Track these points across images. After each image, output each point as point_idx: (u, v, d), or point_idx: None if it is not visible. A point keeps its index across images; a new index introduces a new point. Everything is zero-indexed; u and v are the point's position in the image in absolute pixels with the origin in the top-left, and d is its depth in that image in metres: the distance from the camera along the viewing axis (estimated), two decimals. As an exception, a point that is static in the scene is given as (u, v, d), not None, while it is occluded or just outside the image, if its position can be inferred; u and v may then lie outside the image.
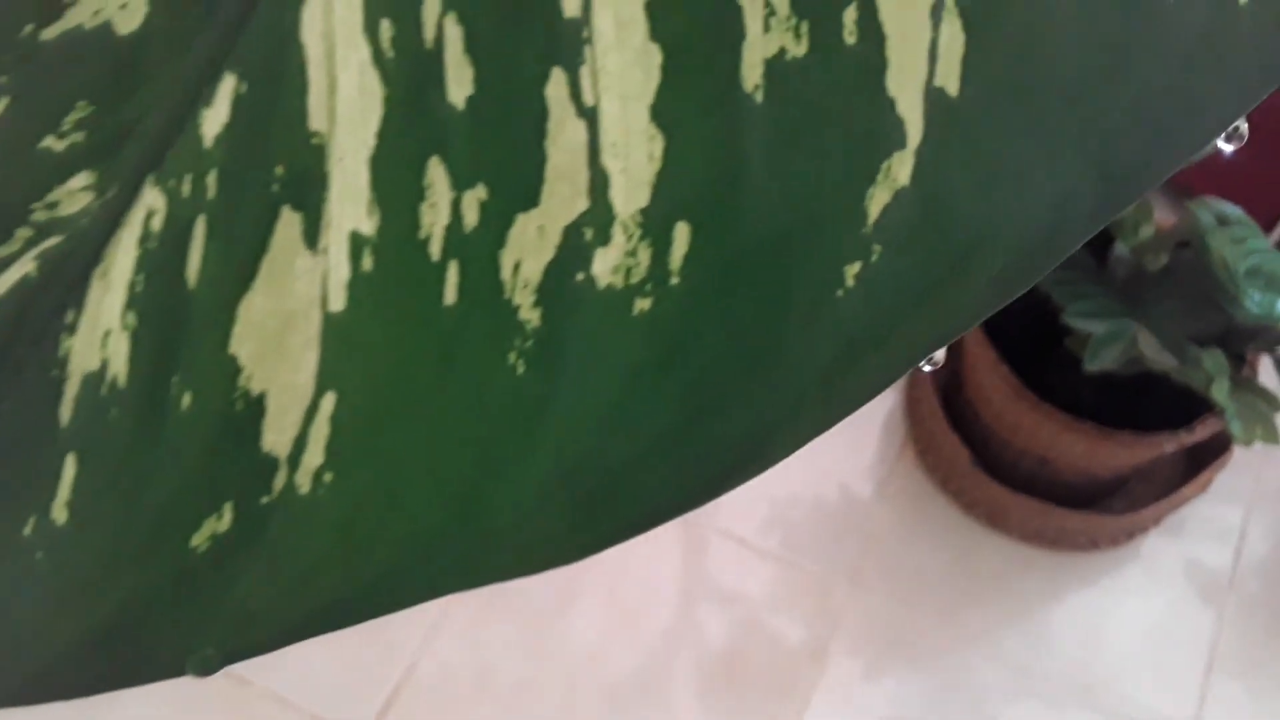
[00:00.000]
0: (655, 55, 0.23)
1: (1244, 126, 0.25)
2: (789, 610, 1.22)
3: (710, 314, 0.23)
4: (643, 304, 0.23)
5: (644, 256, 0.23)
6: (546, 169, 0.23)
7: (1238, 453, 1.14)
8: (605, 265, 0.23)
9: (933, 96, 0.24)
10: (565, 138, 0.23)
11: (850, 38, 0.23)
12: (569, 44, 0.23)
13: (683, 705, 1.16)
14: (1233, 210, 0.98)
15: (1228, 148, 0.25)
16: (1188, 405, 1.07)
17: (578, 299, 0.23)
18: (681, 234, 0.23)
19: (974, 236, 0.24)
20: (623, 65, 0.23)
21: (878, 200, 0.23)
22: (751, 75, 0.23)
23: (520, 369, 0.23)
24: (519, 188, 0.23)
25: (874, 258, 0.24)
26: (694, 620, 1.21)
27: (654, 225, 0.23)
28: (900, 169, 0.23)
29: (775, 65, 0.23)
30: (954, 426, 1.22)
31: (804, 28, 0.23)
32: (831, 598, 1.22)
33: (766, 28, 0.23)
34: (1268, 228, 1.24)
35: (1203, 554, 1.26)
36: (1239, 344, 1.05)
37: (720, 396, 0.23)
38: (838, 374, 0.24)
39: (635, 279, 0.23)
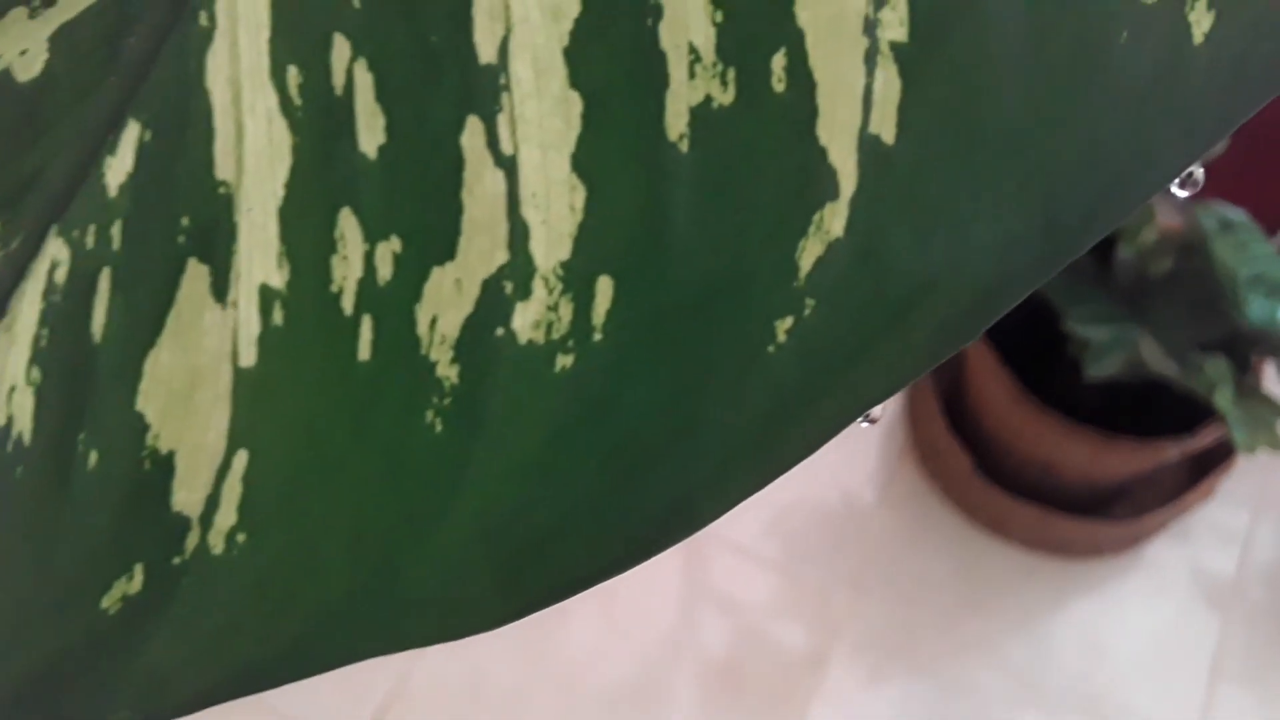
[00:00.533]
0: (575, 103, 0.22)
1: (1199, 173, 0.24)
2: (789, 618, 1.21)
3: (635, 371, 0.22)
4: (565, 361, 0.22)
5: (565, 311, 0.22)
6: (463, 220, 0.22)
7: (1243, 458, 1.13)
8: (526, 320, 0.22)
9: (867, 145, 0.22)
10: (483, 188, 0.22)
11: (779, 85, 0.22)
12: (485, 91, 0.22)
13: (680, 714, 1.15)
14: (1237, 215, 0.97)
15: (1182, 194, 0.24)
16: (1193, 410, 1.06)
17: (497, 355, 0.22)
18: (604, 288, 0.22)
19: (913, 288, 0.23)
20: (542, 113, 0.22)
21: (810, 253, 0.22)
22: (676, 124, 0.22)
23: (438, 427, 0.23)
24: (434, 240, 0.22)
25: (807, 312, 0.23)
26: (692, 628, 1.20)
27: (576, 279, 0.22)
28: (834, 220, 0.22)
29: (701, 113, 0.22)
30: (956, 433, 1.21)
31: (730, 75, 0.22)
32: (832, 605, 1.21)
33: (691, 74, 0.22)
34: (1273, 230, 1.23)
35: (1207, 561, 1.24)
36: (1244, 350, 1.03)
37: (646, 457, 0.23)
38: (770, 433, 0.23)
39: (557, 335, 0.22)
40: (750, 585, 1.22)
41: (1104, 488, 1.20)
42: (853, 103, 0.22)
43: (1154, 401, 1.09)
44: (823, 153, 0.22)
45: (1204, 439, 1.08)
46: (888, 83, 0.22)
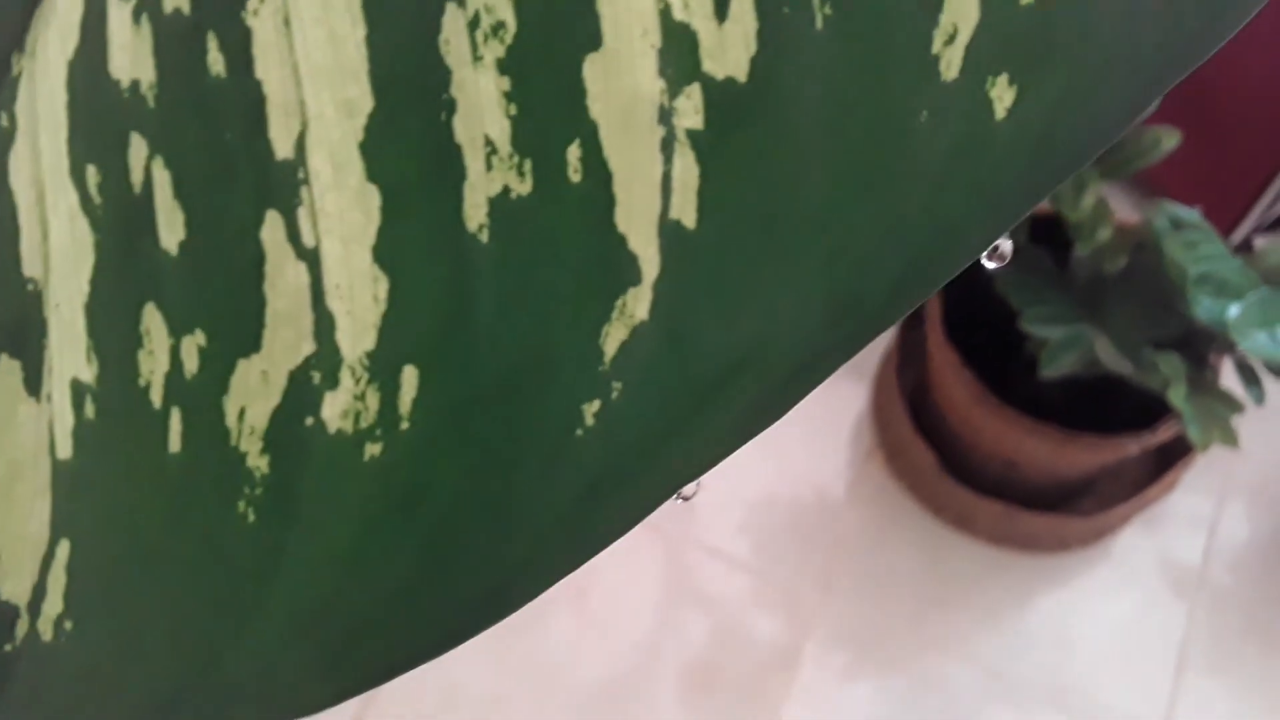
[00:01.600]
0: (374, 196, 0.22)
1: (1006, 246, 0.25)
2: (760, 617, 1.21)
3: (443, 460, 0.23)
4: (374, 449, 0.23)
5: (372, 401, 0.23)
6: (267, 313, 0.23)
7: (1209, 448, 1.13)
8: (334, 410, 0.23)
9: (668, 230, 0.23)
10: (285, 281, 0.22)
11: (575, 175, 0.22)
12: (283, 186, 0.22)
13: (655, 714, 1.16)
14: (1188, 214, 0.97)
15: (990, 265, 0.25)
16: (1155, 404, 1.06)
17: (308, 445, 0.23)
18: (410, 378, 0.23)
19: (721, 368, 0.23)
20: (341, 206, 0.22)
21: (614, 337, 0.23)
22: (475, 215, 0.22)
23: (251, 517, 0.23)
24: (239, 333, 0.23)
25: (614, 395, 0.23)
26: (665, 629, 1.20)
27: (381, 369, 0.23)
28: (637, 305, 0.23)
29: (500, 204, 0.22)
30: (921, 431, 1.21)
31: (527, 166, 0.22)
32: (802, 604, 1.22)
33: (489, 166, 0.22)
34: (1234, 223, 1.23)
35: (1173, 552, 1.25)
36: (1200, 346, 1.04)
37: (459, 544, 0.23)
38: (581, 516, 0.23)
39: (365, 424, 0.23)
40: (722, 585, 1.22)
41: (1068, 482, 1.20)
42: (650, 190, 0.23)
43: (1116, 396, 1.10)
44: (622, 240, 0.23)
45: (1164, 433, 1.09)
46: (686, 169, 0.23)
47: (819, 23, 0.23)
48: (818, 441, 1.29)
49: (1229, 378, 1.05)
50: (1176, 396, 0.97)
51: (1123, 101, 0.24)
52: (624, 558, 1.22)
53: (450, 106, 0.22)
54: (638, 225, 0.23)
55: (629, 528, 0.24)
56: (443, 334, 0.23)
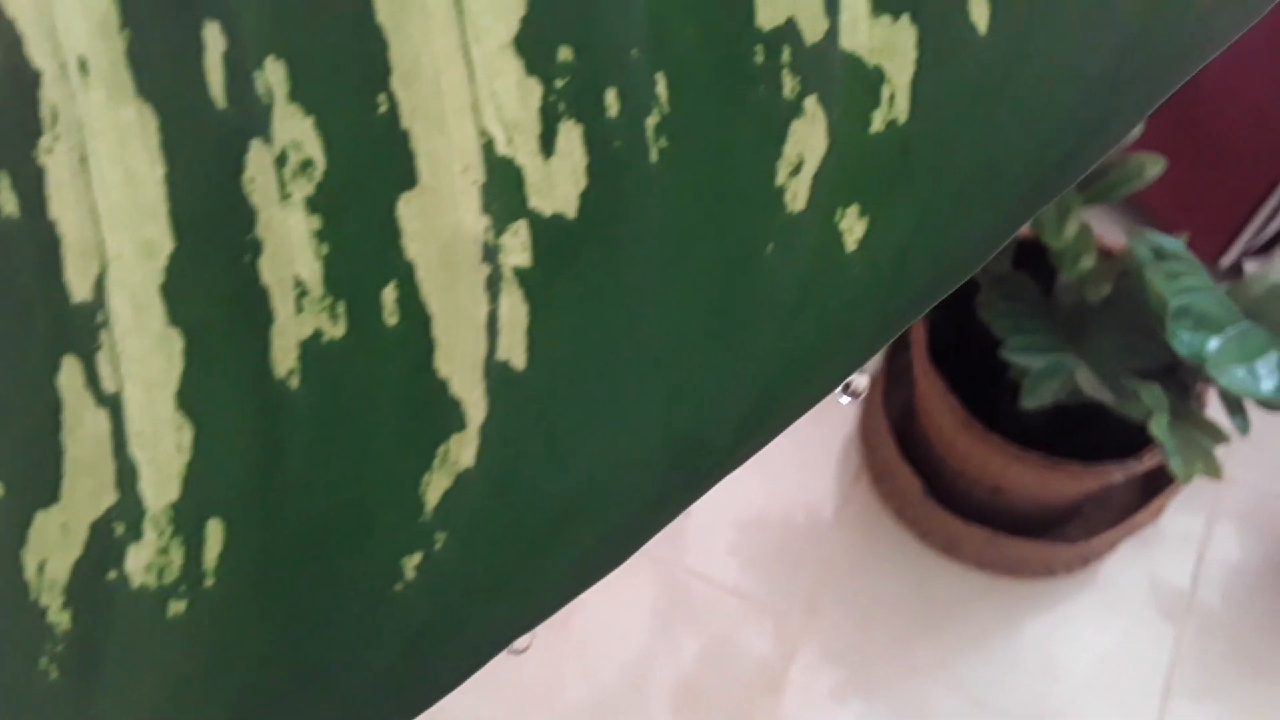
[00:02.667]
0: (176, 340, 0.21)
1: (859, 383, 0.23)
2: (745, 639, 1.20)
3: (251, 618, 0.21)
4: (178, 607, 0.22)
5: (176, 555, 0.21)
6: (65, 462, 0.21)
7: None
8: (138, 563, 0.22)
9: (496, 372, 0.22)
10: (84, 429, 0.21)
11: (391, 318, 0.21)
12: (81, 329, 0.21)
13: (633, 741, 1.15)
14: (1171, 243, 0.95)
15: (844, 400, 0.23)
16: (1143, 429, 1.04)
17: (111, 600, 0.22)
18: (214, 531, 0.21)
19: (556, 515, 0.22)
20: (143, 350, 0.21)
21: (436, 486, 0.22)
22: (284, 360, 0.21)
23: (53, 674, 0.22)
24: (36, 484, 0.21)
25: (438, 547, 0.22)
26: (649, 652, 1.19)
27: (186, 521, 0.21)
28: (462, 451, 0.22)
29: (311, 348, 0.21)
30: (907, 456, 1.19)
31: (340, 308, 0.21)
32: (788, 627, 1.21)
33: (299, 308, 0.21)
34: (1224, 246, 1.21)
35: (1161, 576, 1.23)
36: (1185, 375, 1.02)
37: (273, 707, 0.22)
38: (405, 674, 0.22)
39: (169, 579, 0.22)
40: (706, 607, 1.21)
41: (1054, 508, 1.19)
42: (474, 332, 0.21)
43: (1104, 421, 1.08)
44: (443, 384, 0.21)
45: (1149, 461, 1.07)
46: (514, 308, 0.21)
47: (654, 156, 0.21)
48: (807, 461, 1.28)
49: (1215, 406, 1.04)
50: (1158, 428, 0.95)
51: (983, 231, 0.22)
52: (607, 580, 1.21)
53: (256, 247, 0.21)
54: (461, 368, 0.21)
55: (459, 683, 0.22)
56: (249, 485, 0.21)
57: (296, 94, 0.20)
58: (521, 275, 0.21)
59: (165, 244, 0.21)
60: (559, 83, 0.21)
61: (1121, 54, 0.22)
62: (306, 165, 0.21)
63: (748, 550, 1.23)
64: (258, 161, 0.21)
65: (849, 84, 0.22)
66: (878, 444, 1.23)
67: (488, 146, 0.21)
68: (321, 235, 0.21)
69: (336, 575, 0.22)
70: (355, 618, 0.22)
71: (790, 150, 0.22)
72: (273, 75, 0.20)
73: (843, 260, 0.22)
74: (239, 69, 0.20)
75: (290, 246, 0.21)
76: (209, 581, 0.21)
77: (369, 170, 0.21)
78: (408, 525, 0.22)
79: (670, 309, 0.22)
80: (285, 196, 0.21)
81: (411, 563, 0.22)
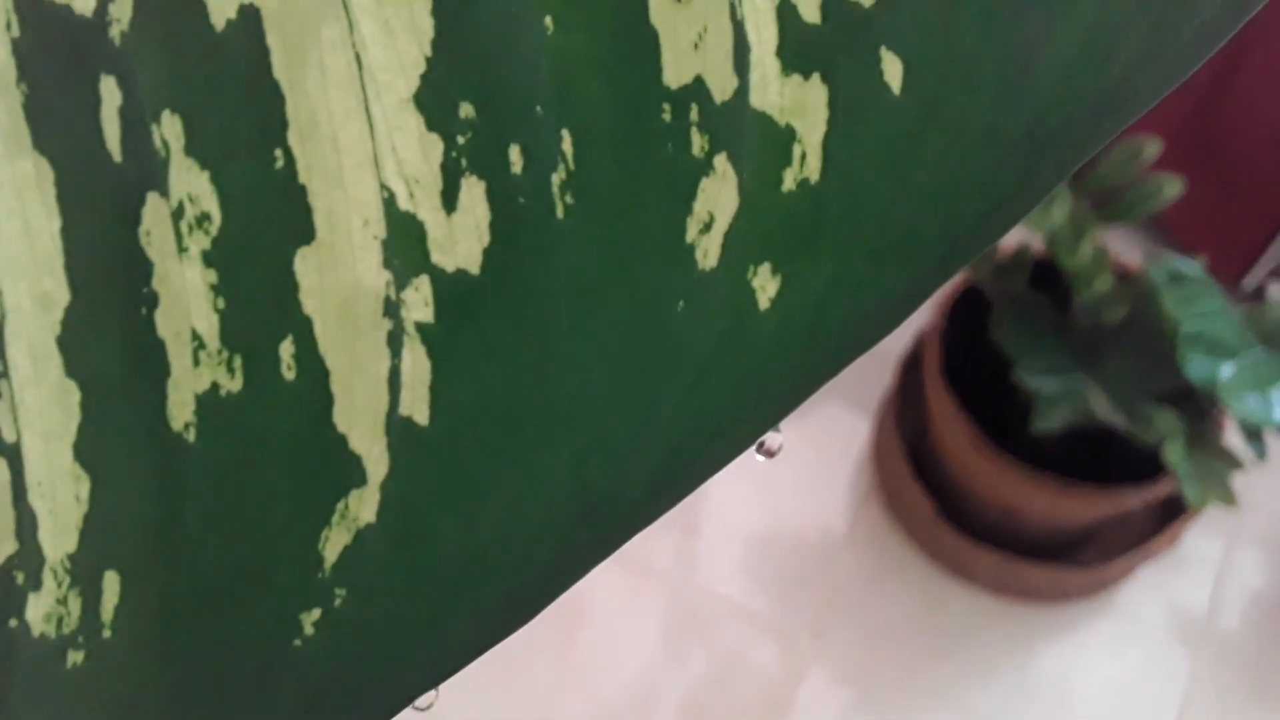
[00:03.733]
0: (73, 392, 0.21)
1: (774, 441, 0.23)
2: (752, 660, 1.19)
3: (149, 670, 0.21)
4: (76, 657, 0.21)
5: (75, 606, 0.21)
6: None
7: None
8: (38, 612, 0.21)
9: (398, 427, 0.21)
10: None
11: (289, 372, 0.21)
12: None
13: (640, 757, 1.15)
14: (1188, 266, 0.94)
15: (760, 458, 0.23)
16: (1158, 454, 1.03)
17: (13, 648, 0.22)
18: (111, 583, 0.21)
19: (458, 572, 0.22)
20: (41, 401, 0.21)
21: (335, 542, 0.21)
22: (181, 413, 0.21)
23: None
24: None
25: (337, 603, 0.22)
26: (654, 670, 1.19)
27: (83, 572, 0.21)
28: (361, 507, 0.21)
29: (208, 402, 0.21)
30: (919, 475, 1.18)
31: (237, 362, 0.21)
32: (795, 647, 1.20)
33: (196, 361, 0.21)
34: (1247, 267, 1.20)
35: (1178, 604, 1.21)
36: (1202, 399, 1.01)
37: None
38: None
39: (67, 629, 0.21)
40: (712, 626, 1.20)
41: (1068, 532, 1.17)
42: (375, 387, 0.21)
43: (1120, 443, 1.07)
44: (342, 440, 0.21)
45: (1165, 486, 1.06)
46: (416, 364, 0.21)
47: (560, 212, 0.21)
48: (818, 478, 1.27)
49: (1234, 431, 1.02)
50: (1173, 454, 0.94)
51: (899, 291, 0.22)
52: (610, 596, 1.21)
53: (152, 300, 0.21)
54: (360, 424, 0.21)
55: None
56: (146, 538, 0.21)
57: (192, 148, 0.20)
58: (424, 331, 0.21)
59: (61, 296, 0.21)
60: (461, 139, 0.21)
61: (1040, 115, 0.22)
62: (203, 219, 0.21)
63: (757, 568, 1.23)
64: (154, 215, 0.21)
65: (760, 142, 0.22)
66: (890, 462, 1.22)
67: (389, 201, 0.21)
68: (218, 289, 0.21)
69: (234, 630, 0.21)
70: (253, 673, 0.22)
71: (700, 208, 0.22)
72: (169, 129, 0.20)
73: (756, 318, 0.22)
74: (135, 123, 0.20)
75: (187, 300, 0.21)
76: (106, 633, 0.21)
77: (266, 225, 0.21)
78: (306, 581, 0.21)
79: (578, 365, 0.22)
80: (182, 250, 0.21)
81: (310, 619, 0.22)
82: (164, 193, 0.21)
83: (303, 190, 0.21)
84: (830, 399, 1.29)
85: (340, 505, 0.21)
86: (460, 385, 0.21)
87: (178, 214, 0.21)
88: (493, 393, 0.22)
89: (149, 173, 0.20)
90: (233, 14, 0.20)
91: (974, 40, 0.21)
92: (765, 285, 0.22)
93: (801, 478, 1.28)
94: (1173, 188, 0.99)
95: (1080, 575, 1.17)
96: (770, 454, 0.23)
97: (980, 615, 1.21)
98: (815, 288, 0.22)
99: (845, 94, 0.21)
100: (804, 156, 0.22)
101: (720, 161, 0.22)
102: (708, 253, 0.22)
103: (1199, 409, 1.01)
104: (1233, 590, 1.22)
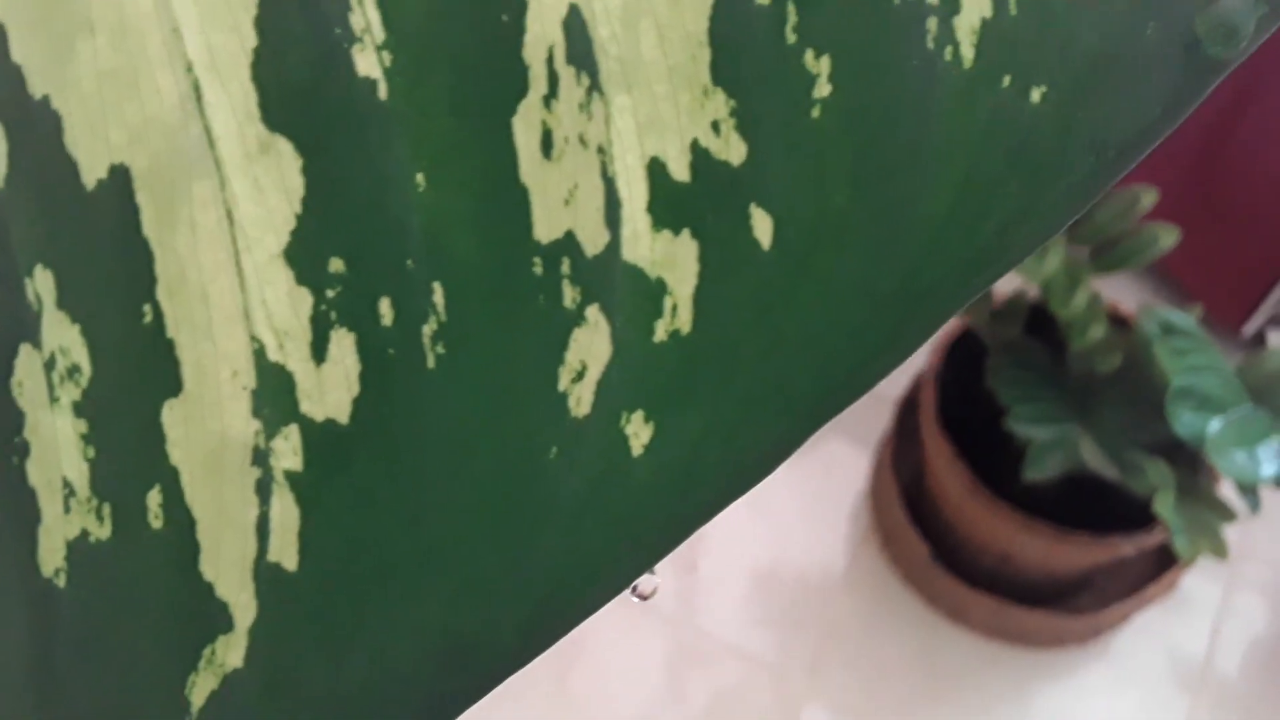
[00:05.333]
0: None
1: (648, 584, 0.23)
2: (747, 700, 1.19)
3: None
4: None
5: None
6: None
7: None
8: None
9: (266, 573, 0.22)
10: None
11: (156, 521, 0.21)
12: None
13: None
14: (1180, 319, 0.93)
15: (634, 600, 0.23)
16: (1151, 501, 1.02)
17: None
18: None
19: (328, 717, 0.22)
20: None
21: (202, 687, 0.22)
22: (52, 559, 0.21)
23: None
24: None
25: None
26: (649, 708, 1.19)
27: None
28: (229, 652, 0.22)
29: (79, 548, 0.21)
30: (915, 519, 1.18)
31: (106, 510, 0.21)
32: (791, 689, 1.20)
33: (66, 509, 0.21)
34: (1248, 313, 1.19)
35: (1176, 650, 1.21)
36: (1197, 449, 1.00)
37: None
38: None
39: None
40: (706, 667, 1.20)
41: (1064, 578, 1.17)
42: (243, 534, 0.21)
43: (1116, 490, 1.06)
44: (209, 587, 0.21)
45: (1159, 535, 1.05)
46: (285, 511, 0.21)
47: (431, 362, 0.21)
48: (816, 519, 1.27)
49: (1228, 482, 1.01)
50: (1163, 506, 0.93)
51: (772, 439, 0.22)
52: (606, 635, 1.21)
53: (24, 449, 0.21)
54: (227, 571, 0.21)
55: None
56: (18, 680, 0.21)
57: (64, 302, 0.21)
58: (293, 478, 0.21)
59: None
60: (330, 292, 0.21)
61: (911, 272, 0.22)
62: (74, 371, 0.21)
63: (754, 608, 1.23)
64: (26, 366, 0.21)
65: (631, 294, 0.22)
66: (887, 505, 1.22)
67: (259, 352, 0.21)
68: (88, 439, 0.21)
69: None
70: None
71: (573, 357, 0.22)
72: (41, 283, 0.21)
73: (629, 464, 0.22)
74: (9, 276, 0.21)
75: (58, 449, 0.21)
76: None
77: (134, 377, 0.21)
78: None
79: (450, 511, 0.22)
80: (54, 400, 0.21)
81: None
82: (37, 344, 0.21)
83: (171, 344, 0.21)
84: (831, 435, 1.28)
85: (207, 651, 0.22)
86: (330, 531, 0.22)
87: (49, 365, 0.21)
88: (363, 538, 0.22)
89: (22, 325, 0.21)
90: (103, 173, 0.20)
91: (844, 199, 0.22)
92: (638, 432, 0.22)
93: (800, 518, 1.27)
94: (1169, 238, 0.98)
95: (1076, 621, 1.16)
96: (644, 597, 0.23)
97: (976, 659, 1.20)
98: (688, 435, 0.22)
99: (715, 249, 0.22)
100: (675, 308, 0.22)
101: (592, 312, 0.22)
102: (580, 400, 0.22)
103: (1192, 459, 1.01)
104: (1231, 635, 1.21)
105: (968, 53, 0.21)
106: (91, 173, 0.20)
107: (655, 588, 0.23)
